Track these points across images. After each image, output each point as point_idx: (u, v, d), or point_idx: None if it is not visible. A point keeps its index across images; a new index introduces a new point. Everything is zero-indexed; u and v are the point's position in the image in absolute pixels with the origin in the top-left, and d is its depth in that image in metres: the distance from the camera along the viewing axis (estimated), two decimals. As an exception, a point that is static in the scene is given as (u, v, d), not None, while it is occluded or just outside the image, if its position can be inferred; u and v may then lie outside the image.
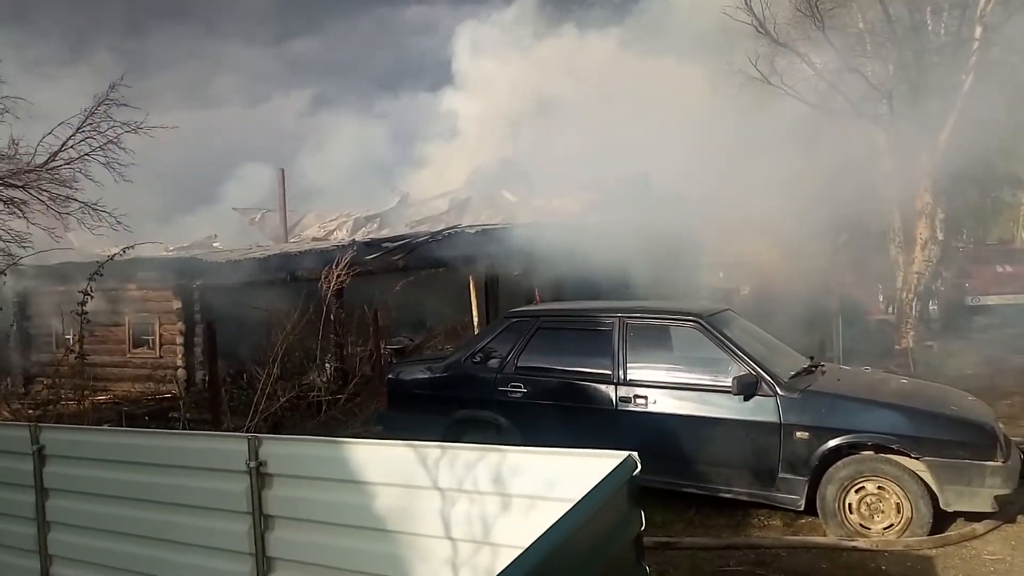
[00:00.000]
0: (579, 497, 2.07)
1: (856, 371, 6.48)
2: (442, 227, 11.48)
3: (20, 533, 3.58)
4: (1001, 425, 5.40)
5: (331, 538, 2.71)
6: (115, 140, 8.39)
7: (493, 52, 21.71)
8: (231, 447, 2.90)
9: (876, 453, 5.02)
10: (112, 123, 8.14)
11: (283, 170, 18.29)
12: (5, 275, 6.01)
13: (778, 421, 5.22)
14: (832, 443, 5.05)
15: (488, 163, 21.08)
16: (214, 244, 18.42)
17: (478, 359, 6.39)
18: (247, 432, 7.27)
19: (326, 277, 9.37)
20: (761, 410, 5.28)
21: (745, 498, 5.40)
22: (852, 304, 15.48)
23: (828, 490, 5.08)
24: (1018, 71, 12.74)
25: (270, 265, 11.77)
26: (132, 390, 13.03)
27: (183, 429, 7.13)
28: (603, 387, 5.81)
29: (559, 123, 19.49)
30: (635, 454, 2.33)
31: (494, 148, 21.87)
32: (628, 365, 5.80)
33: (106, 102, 8.22)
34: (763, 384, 5.30)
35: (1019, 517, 5.13)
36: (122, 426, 9.67)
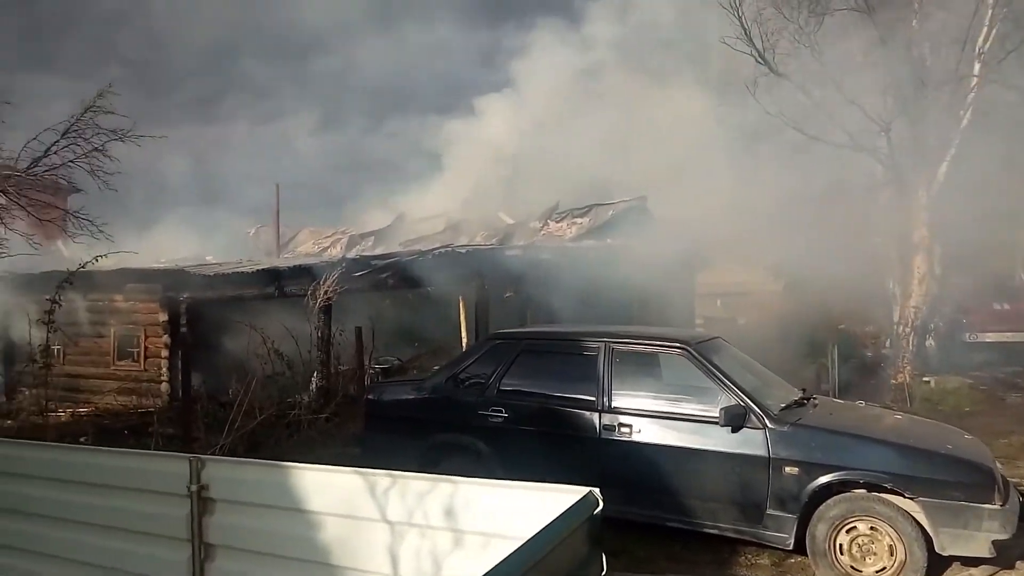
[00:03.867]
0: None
1: (850, 405, 6.28)
2: (434, 246, 11.34)
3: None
4: (999, 465, 5.20)
5: (274, 571, 2.50)
6: (100, 148, 8.25)
7: (495, 76, 21.81)
8: (172, 468, 2.70)
9: (869, 492, 4.81)
10: (98, 130, 7.99)
11: (278, 185, 18.21)
12: None
13: (767, 455, 5.00)
14: (822, 480, 4.84)
15: (486, 185, 21.04)
16: (207, 257, 18.25)
17: (459, 381, 6.19)
18: (219, 450, 7.07)
19: (312, 293, 9.17)
20: (749, 443, 5.07)
21: (732, 534, 5.16)
22: (849, 337, 15.33)
23: (818, 529, 4.85)
24: (1016, 108, 12.71)
25: (258, 279, 11.59)
26: (114, 403, 12.77)
27: (156, 444, 6.90)
28: (587, 414, 5.60)
29: (558, 146, 19.47)
30: (596, 490, 2.13)
31: (492, 170, 21.84)
32: (613, 392, 5.60)
33: (92, 108, 8.09)
34: (752, 416, 5.10)
35: (1018, 563, 4.89)
36: (96, 440, 9.41)
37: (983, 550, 4.50)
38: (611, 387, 5.61)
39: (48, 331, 5.46)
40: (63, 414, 13.66)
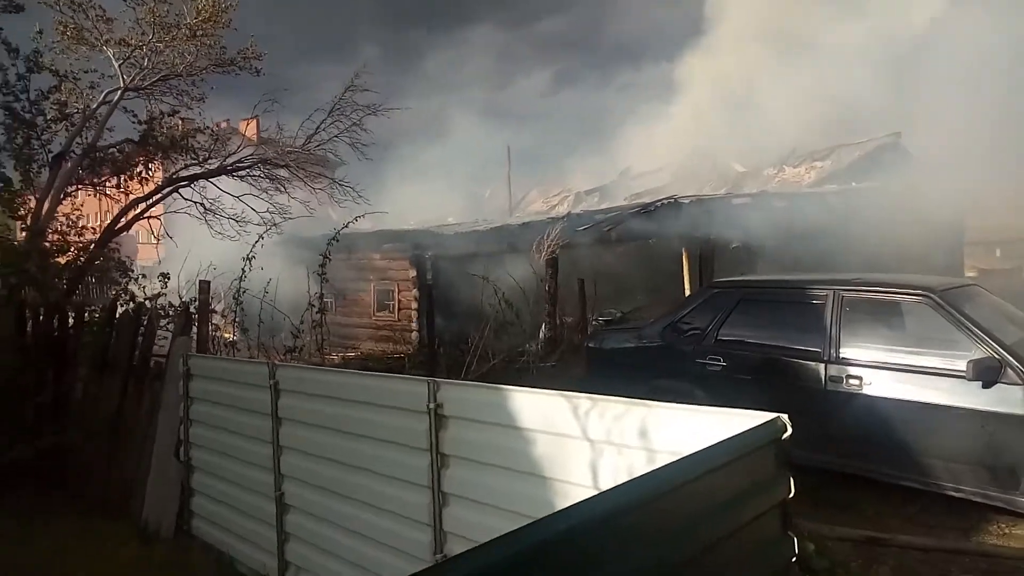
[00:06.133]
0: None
1: None
2: (657, 199, 11.27)
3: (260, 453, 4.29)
4: None
5: (495, 479, 2.88)
6: (358, 123, 9.39)
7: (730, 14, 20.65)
8: (414, 389, 3.20)
9: None
10: (355, 107, 9.11)
11: (508, 147, 19.13)
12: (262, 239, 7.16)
13: (1027, 415, 4.45)
14: (1100, 445, 4.21)
15: (717, 133, 20.21)
16: (448, 219, 19.86)
17: (677, 330, 6.24)
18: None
19: (536, 247, 9.68)
20: (1005, 400, 4.54)
21: (979, 499, 4.69)
22: None
23: (1092, 500, 4.26)
24: None
25: (490, 238, 12.46)
26: (375, 349, 14.66)
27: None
28: (811, 364, 5.37)
29: (797, 84, 18.07)
30: (785, 416, 2.15)
31: (721, 116, 20.90)
32: (841, 342, 5.30)
33: (351, 88, 9.22)
34: (1008, 370, 4.55)
35: None
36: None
37: None
38: (840, 337, 5.31)
39: (321, 283, 6.47)
40: (336, 357, 15.99)
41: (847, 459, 5.23)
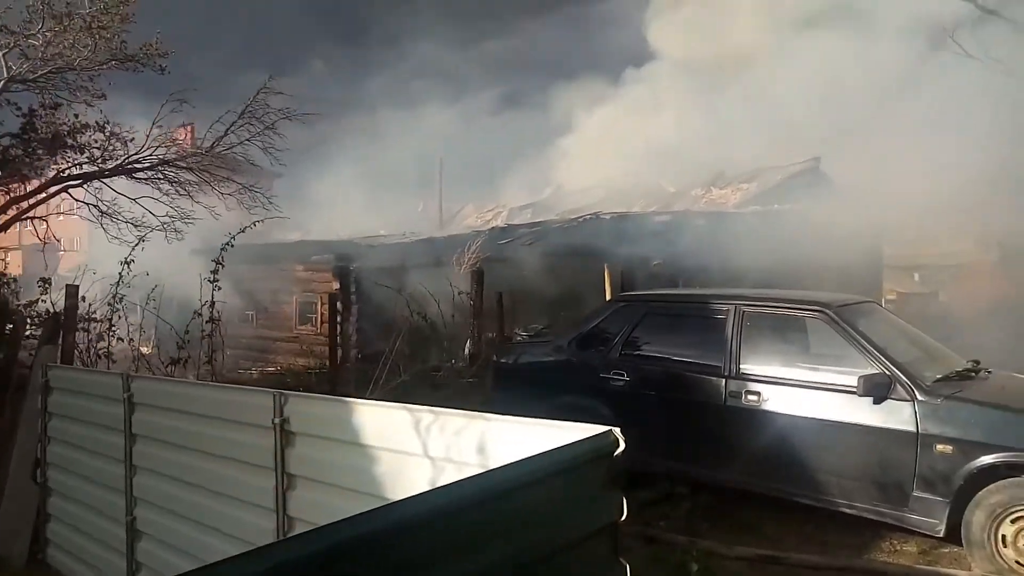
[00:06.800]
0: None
1: (1034, 380, 5.39)
2: (581, 215, 11.24)
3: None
4: None
5: (340, 501, 2.63)
6: (271, 127, 9.03)
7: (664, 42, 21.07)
8: (259, 402, 2.93)
9: (1044, 478, 4.13)
10: (268, 110, 8.75)
11: (441, 159, 18.96)
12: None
13: (915, 430, 4.45)
14: (983, 461, 4.22)
15: (651, 153, 20.47)
16: (380, 231, 19.49)
17: (583, 344, 6.11)
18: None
19: (456, 261, 9.48)
20: (894, 416, 4.53)
21: (871, 516, 4.66)
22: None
23: (976, 516, 4.25)
24: None
25: (416, 250, 12.20)
26: (295, 363, 14.15)
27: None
28: (711, 380, 5.29)
29: (722, 108, 18.47)
30: (616, 430, 1.99)
31: (656, 136, 21.19)
32: (742, 357, 5.24)
33: (264, 90, 8.87)
34: (898, 386, 4.55)
35: None
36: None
37: None
38: (740, 352, 5.25)
39: (213, 291, 6.10)
40: (254, 373, 15.40)
41: (747, 477, 5.15)
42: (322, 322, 14.93)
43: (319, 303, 14.87)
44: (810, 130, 15.60)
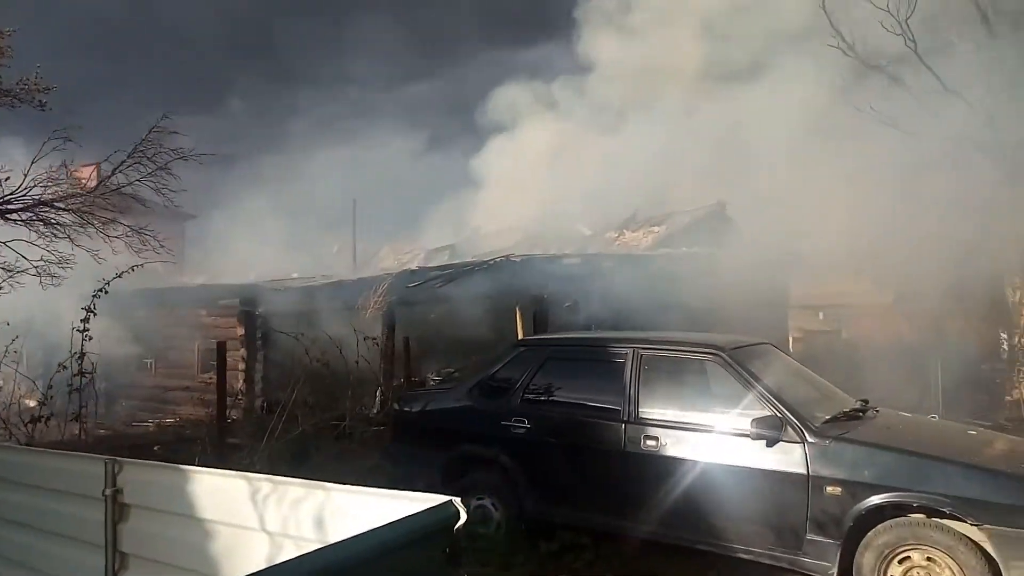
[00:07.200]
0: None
1: (918, 419, 5.56)
2: (491, 257, 11.19)
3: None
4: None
5: (178, 581, 2.34)
6: (164, 168, 8.60)
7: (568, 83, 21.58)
8: (89, 470, 2.61)
9: (928, 517, 4.19)
10: (160, 149, 8.34)
11: (355, 200, 18.67)
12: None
13: (805, 472, 4.46)
14: (870, 501, 4.25)
15: (567, 197, 20.76)
16: (292, 274, 18.93)
17: (484, 390, 5.94)
18: (257, 456, 7.14)
19: (362, 305, 9.21)
20: (786, 459, 4.54)
21: (767, 561, 4.62)
22: (963, 351, 13.92)
23: (865, 558, 4.27)
24: None
25: (324, 293, 11.82)
26: (196, 414, 13.38)
27: (202, 452, 7.03)
28: (611, 425, 5.21)
29: (634, 155, 18.97)
30: (458, 500, 1.82)
31: (574, 182, 21.54)
32: (640, 402, 5.18)
33: (156, 129, 8.45)
34: (789, 428, 4.57)
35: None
36: (166, 449, 9.79)
37: (1065, 590, 3.80)
38: (638, 397, 5.20)
39: (83, 340, 5.63)
40: (150, 425, 14.48)
41: (648, 525, 5.04)
42: (227, 369, 14.26)
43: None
44: (716, 176, 16.16)
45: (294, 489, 2.10)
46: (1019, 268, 12.78)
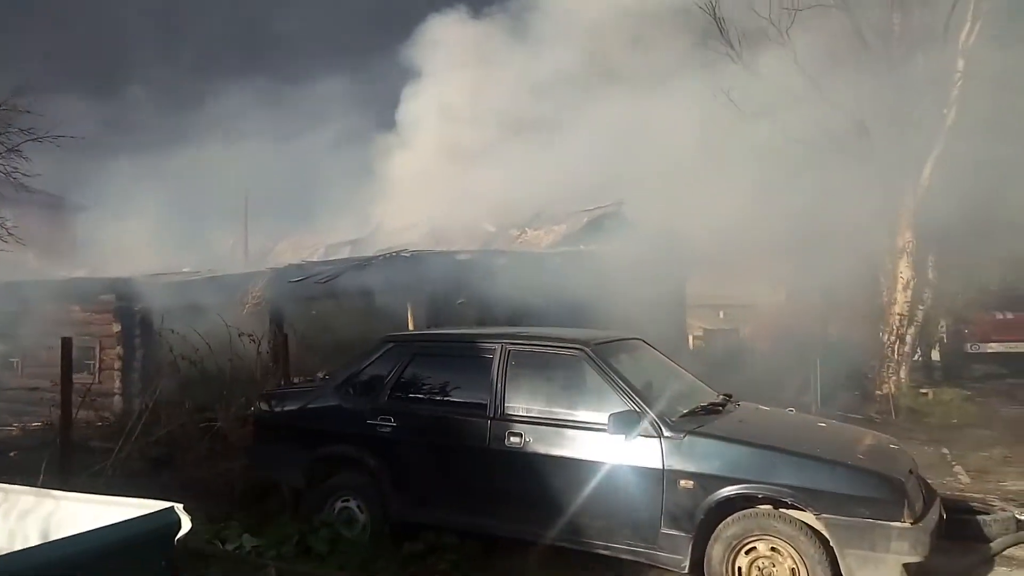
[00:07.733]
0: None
1: (773, 412, 5.72)
2: (380, 253, 10.93)
3: None
4: (923, 479, 4.65)
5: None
6: (15, 150, 7.96)
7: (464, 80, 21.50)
8: None
9: (775, 508, 4.28)
10: (7, 129, 7.70)
11: (247, 193, 17.95)
12: None
13: (660, 467, 4.49)
14: (721, 494, 4.31)
15: (472, 194, 20.64)
16: (184, 268, 18.02)
17: (350, 388, 5.72)
18: (112, 458, 6.68)
19: (241, 300, 8.78)
20: (643, 454, 4.56)
21: (626, 556, 4.63)
22: (842, 347, 14.66)
23: (715, 550, 4.33)
24: (1002, 105, 12.07)
25: (206, 288, 11.24)
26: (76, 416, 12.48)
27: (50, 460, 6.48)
28: (476, 422, 5.10)
29: (537, 156, 19.06)
30: (180, 506, 1.65)
31: (478, 179, 21.44)
32: (507, 398, 5.10)
33: (4, 108, 7.81)
34: (646, 423, 4.59)
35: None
36: (23, 454, 9.10)
37: (894, 575, 3.95)
38: (504, 393, 5.11)
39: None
40: (13, 428, 13.41)
41: (512, 523, 4.97)
42: (102, 369, 13.38)
43: (99, 347, 13.32)
44: (615, 177, 16.39)
45: (25, 498, 1.87)
46: (889, 270, 13.58)
